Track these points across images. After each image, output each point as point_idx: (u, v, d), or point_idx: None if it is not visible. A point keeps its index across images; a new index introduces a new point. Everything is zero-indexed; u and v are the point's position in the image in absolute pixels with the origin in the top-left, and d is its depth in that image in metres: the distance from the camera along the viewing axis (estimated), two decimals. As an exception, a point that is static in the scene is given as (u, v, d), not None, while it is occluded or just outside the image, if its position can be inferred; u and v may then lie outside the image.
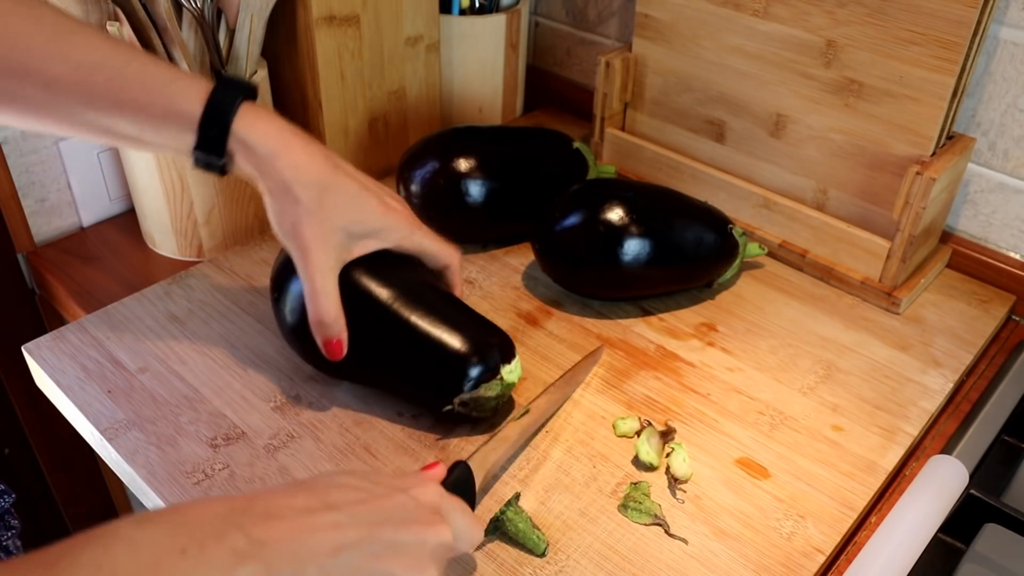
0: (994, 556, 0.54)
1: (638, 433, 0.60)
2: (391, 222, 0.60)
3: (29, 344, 0.66)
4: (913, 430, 0.63)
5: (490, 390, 0.58)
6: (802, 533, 0.55)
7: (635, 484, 0.57)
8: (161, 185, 0.74)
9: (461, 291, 0.65)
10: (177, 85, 0.54)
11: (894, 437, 0.62)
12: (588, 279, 0.71)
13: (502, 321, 0.71)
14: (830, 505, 0.57)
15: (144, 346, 0.67)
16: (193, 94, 0.54)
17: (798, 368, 0.68)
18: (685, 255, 0.70)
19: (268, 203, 0.57)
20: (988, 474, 0.61)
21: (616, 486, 0.57)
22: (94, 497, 1.01)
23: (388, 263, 0.60)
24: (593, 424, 0.62)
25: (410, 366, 0.59)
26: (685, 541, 0.54)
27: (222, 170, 0.57)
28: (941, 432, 0.65)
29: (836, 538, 0.55)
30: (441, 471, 0.50)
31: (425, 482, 0.46)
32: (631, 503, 0.55)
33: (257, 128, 0.55)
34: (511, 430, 0.57)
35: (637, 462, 0.59)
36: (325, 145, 0.83)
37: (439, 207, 0.76)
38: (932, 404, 0.65)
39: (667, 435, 0.59)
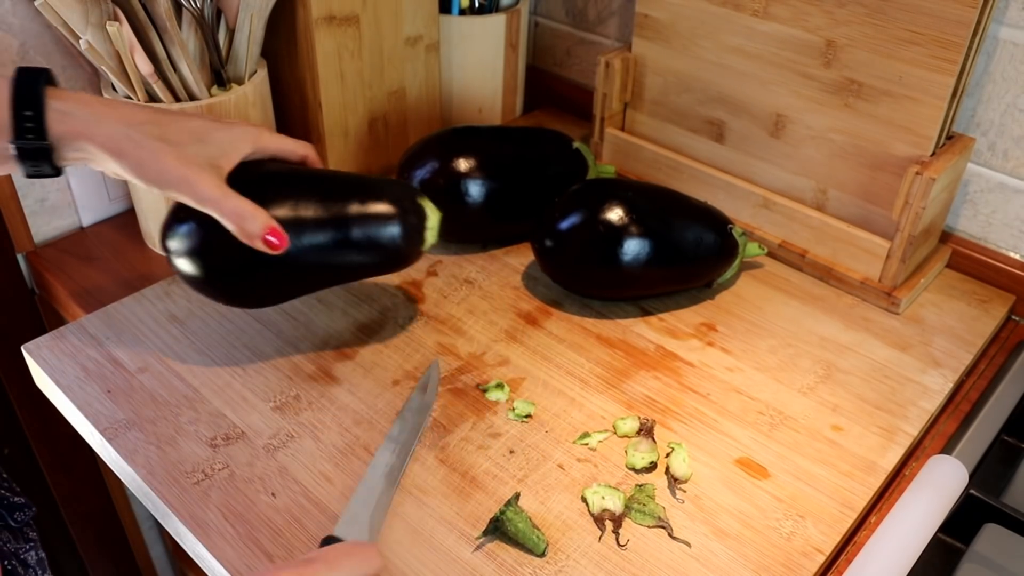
0: (994, 556, 0.54)
1: (639, 432, 0.60)
2: (237, 131, 0.60)
3: (29, 344, 0.66)
4: (913, 430, 0.63)
5: (429, 237, 0.63)
6: (802, 533, 0.55)
7: (640, 487, 0.57)
8: (161, 185, 0.74)
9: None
10: None
11: (894, 437, 0.62)
12: (588, 279, 0.71)
13: (502, 321, 0.71)
14: (830, 505, 0.57)
15: (144, 346, 0.67)
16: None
17: (798, 368, 0.68)
18: (685, 255, 0.70)
19: (122, 166, 0.55)
20: (988, 474, 0.61)
21: (616, 486, 0.57)
22: (94, 497, 1.01)
23: (268, 172, 0.61)
24: (593, 424, 0.62)
25: (346, 249, 0.61)
26: (688, 544, 0.54)
27: (52, 162, 0.54)
28: (941, 432, 0.65)
29: (836, 538, 0.55)
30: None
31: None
32: (635, 505, 0.55)
33: (70, 98, 0.54)
34: (372, 479, 0.56)
35: (633, 469, 0.59)
36: (325, 145, 0.83)
37: (439, 207, 0.76)
38: (932, 404, 0.65)
39: (649, 432, 0.60)
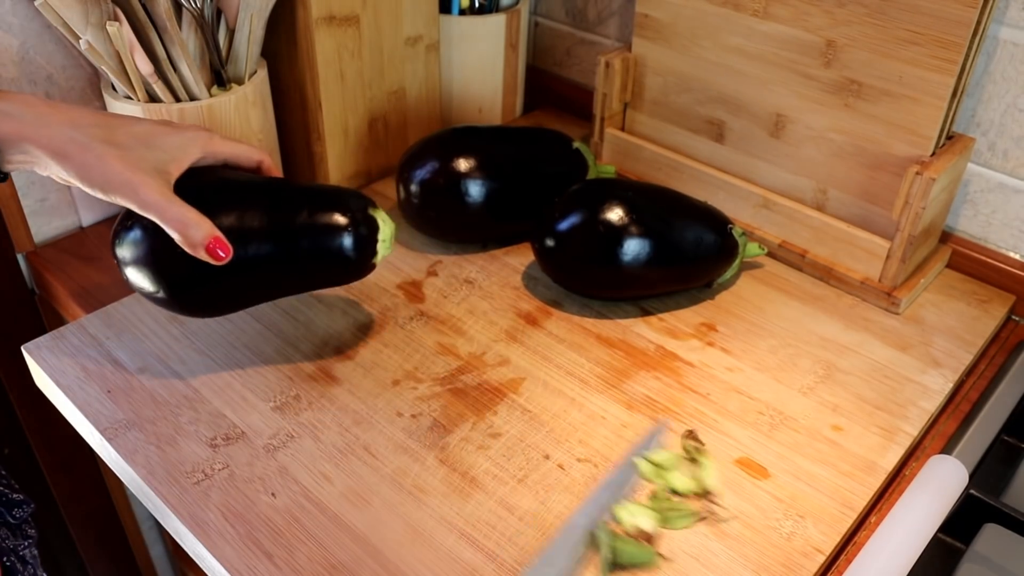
0: (994, 556, 0.54)
1: (686, 458, 0.58)
2: (188, 135, 0.58)
3: (29, 344, 0.66)
4: (913, 430, 0.63)
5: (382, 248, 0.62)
6: (802, 533, 0.55)
7: (654, 495, 0.56)
8: (161, 185, 0.74)
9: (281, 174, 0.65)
10: None
11: (894, 437, 0.62)
12: (588, 279, 0.71)
13: (502, 321, 0.71)
14: (830, 505, 0.57)
15: (144, 346, 0.67)
16: None
17: (798, 368, 0.68)
18: (685, 255, 0.70)
19: (66, 169, 0.54)
20: (988, 474, 0.61)
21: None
22: (94, 497, 1.01)
23: (216, 180, 0.60)
24: (593, 424, 0.62)
25: (294, 261, 0.60)
26: (724, 520, 0.54)
27: None
28: (941, 432, 0.65)
29: (836, 538, 0.55)
30: None
31: None
32: (670, 514, 0.55)
33: (14, 99, 0.53)
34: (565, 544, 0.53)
35: (675, 493, 0.57)
36: (324, 145, 0.83)
37: (439, 207, 0.76)
38: (932, 404, 0.65)
39: (696, 457, 0.58)
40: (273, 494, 0.56)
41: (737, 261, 0.74)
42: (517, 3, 0.94)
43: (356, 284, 0.74)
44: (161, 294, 0.60)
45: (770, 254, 0.80)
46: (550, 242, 0.70)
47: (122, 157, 0.54)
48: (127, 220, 0.59)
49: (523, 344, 0.69)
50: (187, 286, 0.59)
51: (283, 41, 0.81)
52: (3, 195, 0.77)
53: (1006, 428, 0.64)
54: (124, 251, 0.59)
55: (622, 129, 0.90)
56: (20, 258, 0.82)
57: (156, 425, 0.60)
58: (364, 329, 0.70)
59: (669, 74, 0.84)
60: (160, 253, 0.58)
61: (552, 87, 1.06)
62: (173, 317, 0.70)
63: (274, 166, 0.64)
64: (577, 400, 0.64)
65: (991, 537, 0.55)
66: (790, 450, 0.61)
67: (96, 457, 0.97)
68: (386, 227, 0.62)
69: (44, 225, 0.82)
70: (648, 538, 0.53)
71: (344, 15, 0.79)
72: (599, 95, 0.88)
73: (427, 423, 0.62)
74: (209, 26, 0.71)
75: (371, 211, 0.62)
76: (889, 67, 0.69)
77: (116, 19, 0.67)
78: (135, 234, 0.58)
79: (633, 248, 0.68)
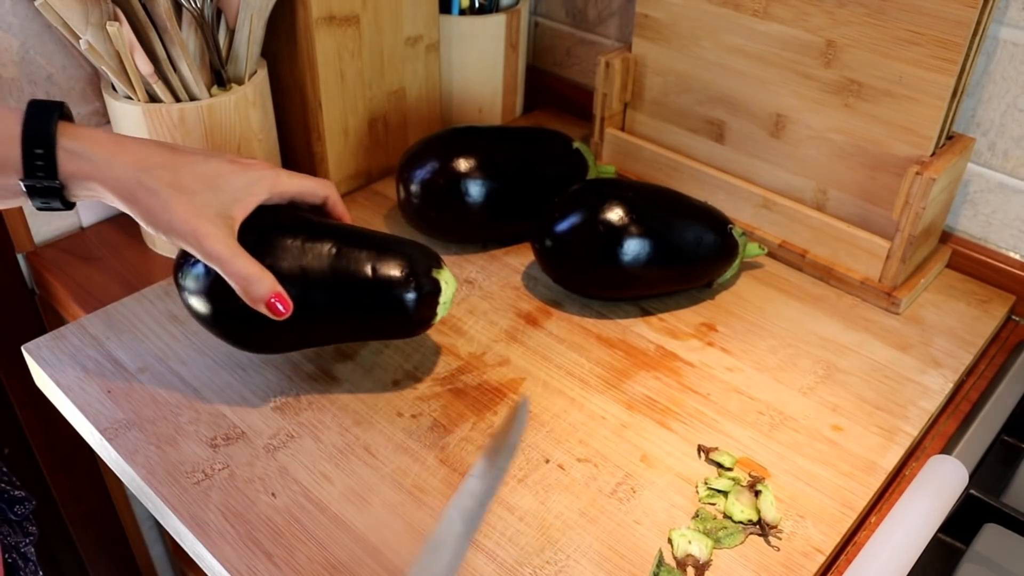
0: (994, 556, 0.54)
1: (746, 484, 0.58)
2: (254, 174, 0.58)
3: (29, 344, 0.66)
4: (913, 430, 0.63)
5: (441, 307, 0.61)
6: (802, 533, 0.55)
7: (697, 515, 0.55)
8: (161, 185, 0.74)
9: (349, 219, 0.64)
10: (3, 119, 0.52)
11: (894, 437, 0.62)
12: (588, 279, 0.71)
13: (502, 321, 0.71)
14: (830, 505, 0.57)
15: (144, 346, 0.67)
16: (9, 120, 0.52)
17: (798, 368, 0.68)
18: (685, 255, 0.70)
19: (131, 211, 0.55)
20: (988, 474, 0.61)
21: (616, 486, 0.57)
22: (94, 497, 1.01)
23: (279, 223, 0.59)
24: (593, 424, 0.62)
25: (352, 310, 0.59)
26: (777, 549, 0.53)
27: (63, 199, 0.54)
28: (941, 432, 0.65)
29: (836, 538, 0.55)
30: None
31: None
32: (720, 534, 0.54)
33: (82, 136, 0.53)
34: (447, 532, 0.50)
35: (730, 519, 0.56)
36: (325, 145, 0.83)
37: (439, 207, 0.76)
38: (932, 404, 0.65)
39: (754, 484, 0.57)
40: (273, 494, 0.56)
41: (737, 261, 0.74)
42: (517, 3, 0.94)
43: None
44: (217, 329, 0.60)
45: (770, 254, 0.80)
46: (550, 242, 0.70)
47: (187, 203, 0.54)
48: (191, 255, 0.59)
49: (523, 344, 0.69)
50: (246, 324, 0.59)
51: (283, 41, 0.81)
52: (3, 195, 0.77)
53: (1006, 428, 0.64)
54: (188, 281, 0.59)
55: (622, 129, 0.90)
56: (20, 258, 0.82)
57: (156, 425, 0.60)
58: (364, 329, 0.70)
59: (669, 74, 0.84)
60: (220, 292, 0.57)
61: (552, 87, 1.06)
62: (173, 317, 0.70)
63: (339, 201, 0.63)
64: (577, 400, 0.64)
65: (991, 537, 0.55)
66: (790, 450, 0.61)
67: (96, 457, 0.97)
68: (448, 289, 0.61)
69: (44, 225, 0.82)
70: (697, 565, 0.52)
71: (344, 15, 0.79)
72: (599, 95, 0.88)
73: (427, 423, 0.62)
74: (209, 26, 0.71)
75: (435, 272, 0.60)
76: (889, 67, 0.69)
77: (116, 19, 0.67)
78: (198, 269, 0.58)
79: (633, 248, 0.68)
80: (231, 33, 0.73)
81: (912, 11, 0.66)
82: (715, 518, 0.55)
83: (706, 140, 0.84)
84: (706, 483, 0.57)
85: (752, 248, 0.76)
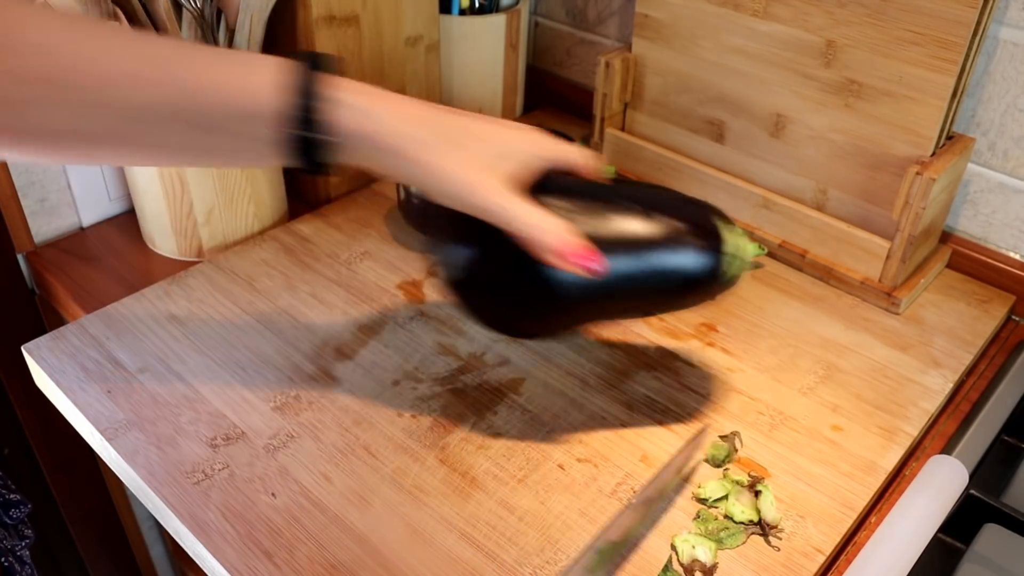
0: (994, 556, 0.54)
1: (747, 485, 0.57)
2: (533, 136, 0.53)
3: (29, 344, 0.66)
4: (913, 430, 0.63)
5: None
6: (802, 533, 0.55)
7: (698, 516, 0.56)
8: (161, 185, 0.74)
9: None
10: (263, 60, 0.48)
11: (894, 437, 0.62)
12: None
13: (502, 321, 0.71)
14: (830, 505, 0.57)
15: (144, 346, 0.67)
16: (284, 66, 0.48)
17: (798, 368, 0.68)
18: None
19: (400, 167, 0.50)
20: (988, 474, 0.61)
21: (616, 486, 0.57)
22: (94, 497, 1.01)
23: (559, 183, 0.54)
24: (593, 424, 0.62)
25: (650, 280, 0.54)
26: (778, 549, 0.54)
27: (323, 162, 0.49)
28: (941, 432, 0.65)
29: (836, 538, 0.55)
30: None
31: None
32: (721, 535, 0.54)
33: (346, 87, 0.48)
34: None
35: (731, 520, 0.56)
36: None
37: (439, 207, 0.76)
38: (932, 404, 0.65)
39: (754, 485, 0.57)
40: (273, 494, 0.56)
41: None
42: (517, 3, 0.94)
43: (356, 284, 0.74)
44: (488, 313, 0.55)
45: (770, 254, 0.80)
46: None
47: (476, 162, 0.50)
48: (458, 234, 0.54)
49: (523, 344, 0.69)
50: (526, 313, 0.54)
51: (283, 41, 0.81)
52: (3, 195, 0.77)
53: (1006, 428, 0.64)
54: (449, 269, 0.54)
55: (622, 129, 0.90)
56: (20, 258, 0.82)
57: (156, 425, 0.60)
58: (364, 329, 0.70)
59: (669, 74, 0.84)
60: (489, 269, 0.53)
61: (552, 87, 1.06)
62: (173, 317, 0.70)
63: (591, 158, 0.56)
64: (577, 400, 0.64)
65: (991, 537, 0.55)
66: (790, 450, 0.61)
67: (96, 457, 0.97)
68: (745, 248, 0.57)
69: (44, 225, 0.82)
70: (704, 570, 0.52)
71: (344, 15, 0.79)
72: (599, 95, 0.88)
73: (427, 423, 0.62)
74: (209, 26, 0.71)
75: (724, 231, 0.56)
76: (889, 67, 0.69)
77: (116, 19, 0.67)
78: (463, 250, 0.54)
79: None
80: (231, 33, 0.73)
81: (912, 11, 0.66)
82: (716, 519, 0.55)
83: (706, 140, 0.84)
84: (700, 488, 0.57)
85: (752, 248, 0.75)
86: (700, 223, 0.55)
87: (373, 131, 0.49)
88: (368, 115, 0.49)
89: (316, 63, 0.48)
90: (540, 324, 0.57)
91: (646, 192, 0.57)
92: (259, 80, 0.47)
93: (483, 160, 0.50)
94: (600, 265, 0.51)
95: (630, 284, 0.53)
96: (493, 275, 0.54)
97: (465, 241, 0.55)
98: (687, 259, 0.54)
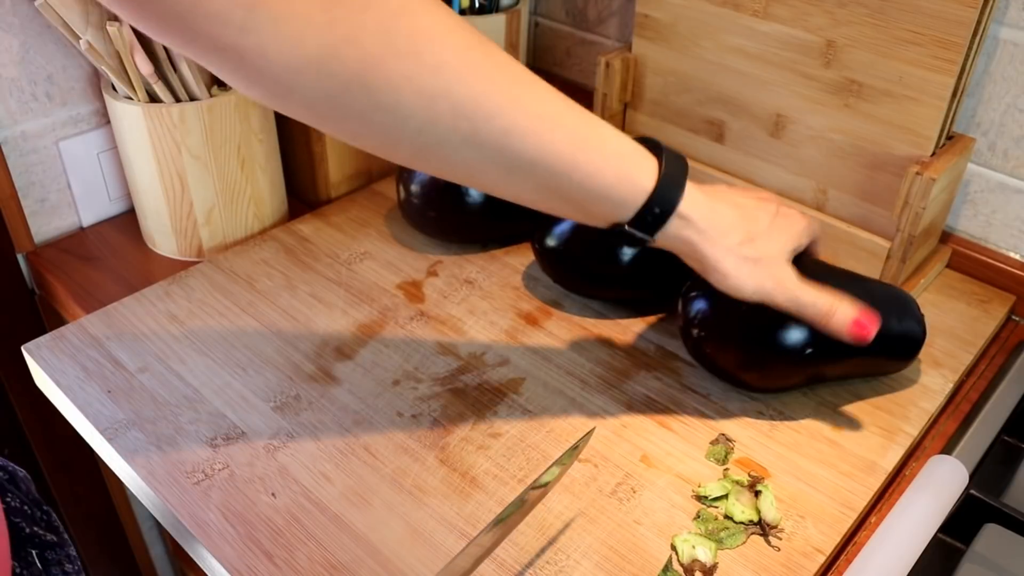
0: (994, 556, 0.54)
1: (747, 485, 0.57)
2: (799, 226, 0.60)
3: (29, 344, 0.66)
4: (913, 430, 0.63)
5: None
6: (802, 533, 0.55)
7: (698, 516, 0.55)
8: (161, 185, 0.74)
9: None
10: (633, 158, 0.53)
11: (894, 437, 0.62)
12: (588, 279, 0.71)
13: (502, 321, 0.71)
14: (830, 505, 0.57)
15: (144, 346, 0.67)
16: (648, 168, 0.53)
17: (798, 368, 0.68)
18: None
19: (699, 269, 0.57)
20: (988, 474, 0.61)
21: (616, 486, 0.57)
22: (94, 497, 1.01)
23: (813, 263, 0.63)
24: (593, 424, 0.62)
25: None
26: (778, 549, 0.54)
27: (644, 243, 0.56)
28: (941, 432, 0.65)
29: (836, 538, 0.55)
30: None
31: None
32: (722, 535, 0.54)
33: (698, 202, 0.55)
34: (487, 539, 0.50)
35: (731, 520, 0.56)
36: (325, 145, 0.83)
37: (439, 207, 0.76)
38: (932, 404, 0.65)
39: (754, 485, 0.57)
40: (273, 494, 0.56)
41: None
42: (517, 3, 0.94)
43: (356, 284, 0.74)
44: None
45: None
46: (551, 242, 0.70)
47: (775, 268, 0.57)
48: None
49: (523, 344, 0.69)
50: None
51: (283, 41, 0.80)
52: (3, 195, 0.77)
53: (1006, 428, 0.64)
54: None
55: (622, 129, 0.90)
56: (20, 258, 0.82)
57: (156, 425, 0.60)
58: (364, 329, 0.70)
59: (669, 74, 0.84)
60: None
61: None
62: (173, 317, 0.70)
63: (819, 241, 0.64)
64: (577, 400, 0.64)
65: (991, 537, 0.55)
66: (790, 450, 0.61)
67: (96, 457, 0.97)
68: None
69: (44, 225, 0.82)
70: (704, 570, 0.52)
71: (344, 15, 0.79)
72: (599, 95, 0.88)
73: (427, 423, 0.62)
74: (209, 26, 0.71)
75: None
76: (889, 67, 0.69)
77: (116, 19, 0.67)
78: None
79: (632, 248, 0.68)
80: (231, 33, 0.73)
81: (912, 11, 0.66)
82: (716, 519, 0.55)
83: (706, 140, 0.84)
84: (700, 487, 0.57)
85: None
86: (899, 294, 0.65)
87: (693, 250, 0.56)
88: (701, 235, 0.55)
89: (684, 175, 0.54)
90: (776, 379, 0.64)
91: (839, 271, 0.65)
92: (628, 176, 0.52)
93: (780, 261, 0.57)
94: (872, 326, 0.58)
95: (873, 345, 0.59)
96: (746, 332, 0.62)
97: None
98: (914, 326, 0.64)
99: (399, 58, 0.44)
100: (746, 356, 0.62)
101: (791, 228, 0.59)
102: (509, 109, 0.48)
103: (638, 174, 0.53)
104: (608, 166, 0.52)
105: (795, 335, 0.60)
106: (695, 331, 0.63)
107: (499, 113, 0.47)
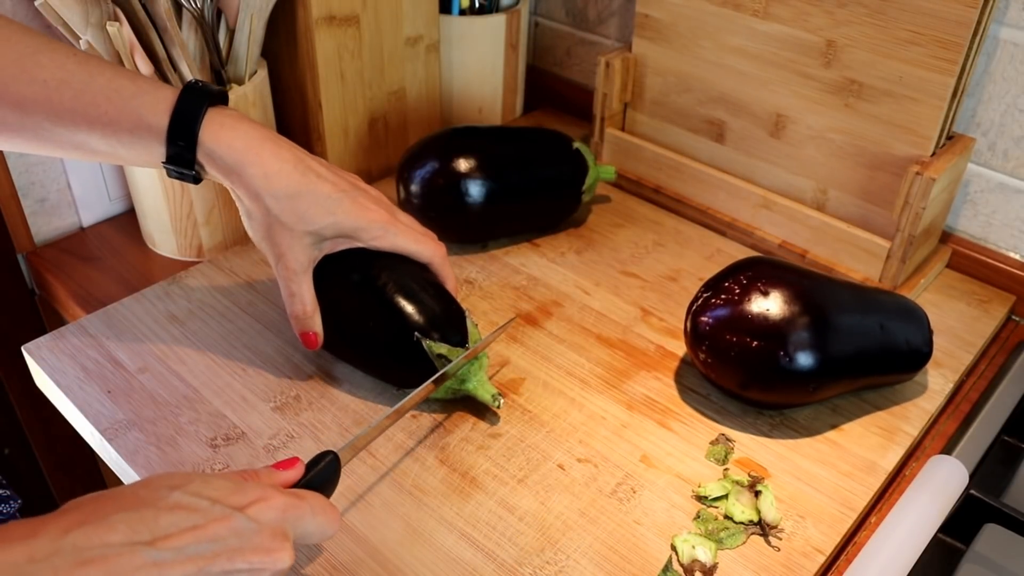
0: (994, 556, 0.54)
1: (746, 485, 0.57)
2: (364, 223, 0.60)
3: (29, 344, 0.66)
4: (913, 430, 0.63)
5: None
6: (802, 533, 0.55)
7: (698, 516, 0.56)
8: (161, 185, 0.74)
9: (454, 284, 0.66)
10: (143, 98, 0.54)
11: (894, 437, 0.62)
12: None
13: (502, 321, 0.71)
14: (830, 505, 0.57)
15: (144, 346, 0.67)
16: (159, 105, 0.55)
17: (798, 368, 0.68)
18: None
19: (241, 210, 0.60)
20: (988, 474, 0.61)
21: (616, 486, 0.57)
22: (94, 497, 1.00)
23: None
24: (593, 424, 0.62)
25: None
26: (778, 549, 0.54)
27: (195, 179, 0.58)
28: (941, 432, 0.65)
29: (836, 538, 0.55)
30: (294, 473, 0.48)
31: (269, 495, 0.43)
32: (722, 535, 0.54)
33: (223, 137, 0.56)
34: (389, 419, 0.56)
35: (731, 520, 0.56)
36: (325, 145, 0.83)
37: (439, 207, 0.76)
38: (932, 404, 0.65)
39: (754, 485, 0.57)
40: (273, 494, 0.56)
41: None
42: (517, 3, 0.94)
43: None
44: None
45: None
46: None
47: (286, 230, 0.58)
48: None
49: (523, 344, 0.69)
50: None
51: (283, 41, 0.81)
52: (3, 195, 0.77)
53: (1006, 428, 0.64)
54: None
55: (622, 129, 0.90)
56: (20, 258, 0.82)
57: (156, 425, 0.60)
58: (364, 329, 0.70)
59: (669, 74, 0.84)
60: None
61: (552, 87, 1.06)
62: (173, 317, 0.70)
63: (446, 270, 0.65)
64: (577, 400, 0.64)
65: (991, 537, 0.55)
66: (790, 450, 0.61)
67: (96, 457, 0.97)
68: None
69: (44, 225, 0.82)
70: (704, 570, 0.52)
71: (344, 15, 0.79)
72: (599, 95, 0.88)
73: (427, 423, 0.62)
74: (209, 26, 0.71)
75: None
76: (889, 67, 0.69)
77: (116, 19, 0.67)
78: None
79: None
80: (231, 33, 0.73)
81: (912, 11, 0.66)
82: (716, 519, 0.55)
83: (706, 140, 0.84)
84: (700, 487, 0.57)
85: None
86: (910, 307, 0.66)
87: (231, 181, 0.57)
88: (230, 169, 0.57)
89: (203, 103, 0.56)
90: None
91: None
92: (154, 119, 0.55)
93: (300, 233, 0.59)
94: (312, 347, 0.62)
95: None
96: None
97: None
98: (922, 345, 0.65)
99: None
100: (752, 383, 0.61)
101: (348, 220, 0.60)
102: (12, 82, 0.51)
103: (152, 115, 0.55)
104: (121, 115, 0.54)
105: (803, 360, 0.59)
106: (702, 356, 0.62)
107: (4, 90, 0.51)
